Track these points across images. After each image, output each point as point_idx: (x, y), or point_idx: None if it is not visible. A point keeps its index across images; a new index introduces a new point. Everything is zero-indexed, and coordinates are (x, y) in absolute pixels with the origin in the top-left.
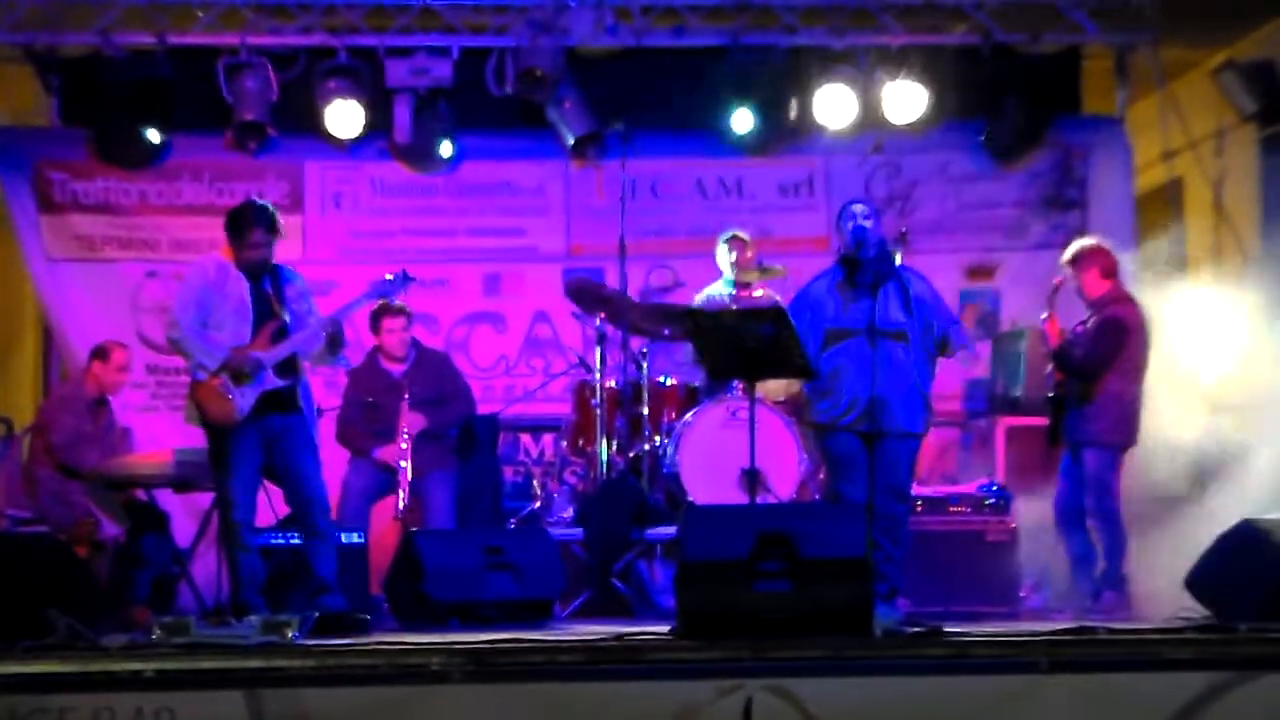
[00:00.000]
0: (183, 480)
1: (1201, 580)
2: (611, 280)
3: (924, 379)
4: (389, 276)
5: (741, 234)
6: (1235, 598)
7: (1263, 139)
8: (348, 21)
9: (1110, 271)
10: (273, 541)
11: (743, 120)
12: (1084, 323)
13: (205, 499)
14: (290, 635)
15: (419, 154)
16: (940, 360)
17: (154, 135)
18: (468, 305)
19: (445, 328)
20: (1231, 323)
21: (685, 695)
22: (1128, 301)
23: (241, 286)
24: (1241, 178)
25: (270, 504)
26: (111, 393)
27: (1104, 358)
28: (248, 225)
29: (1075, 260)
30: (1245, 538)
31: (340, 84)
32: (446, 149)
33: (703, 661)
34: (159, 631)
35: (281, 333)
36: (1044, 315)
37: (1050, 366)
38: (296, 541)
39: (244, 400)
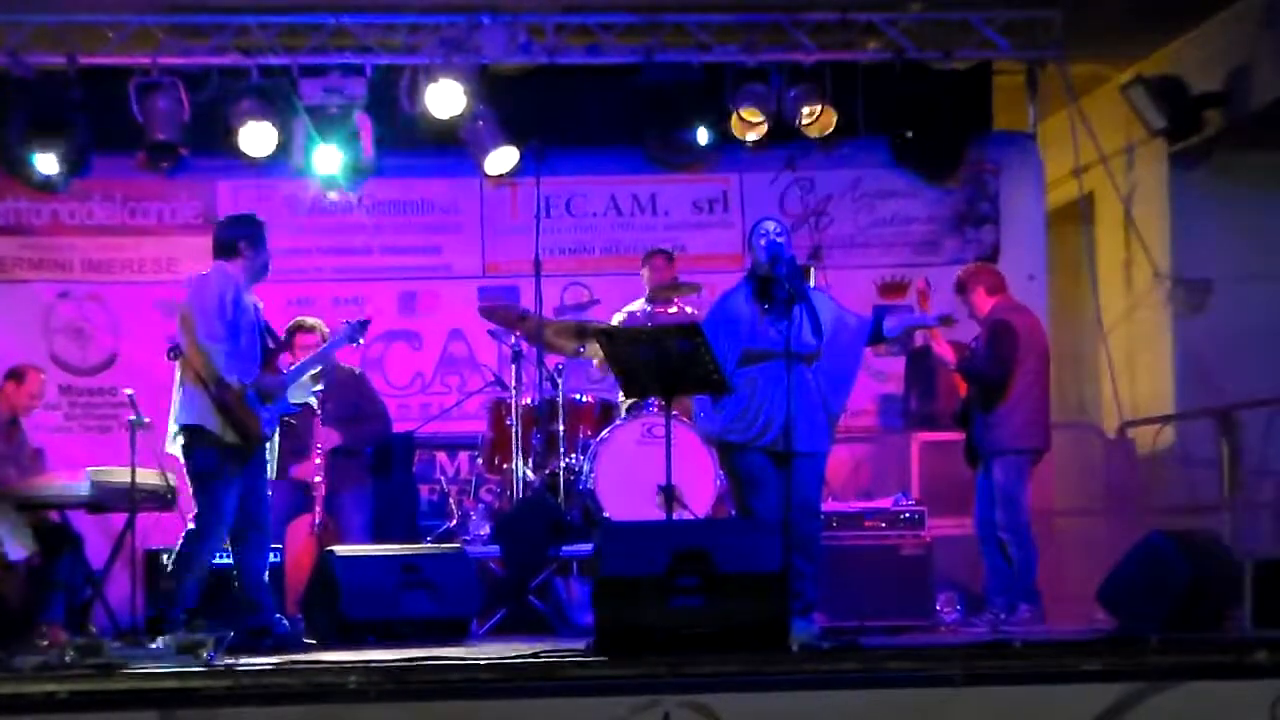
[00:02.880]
0: (97, 502)
1: (1113, 592)
2: (527, 298)
3: (834, 399)
4: (349, 322)
5: (665, 250)
6: (1146, 609)
7: (1172, 154)
8: (260, 41)
9: (996, 288)
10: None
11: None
12: (977, 339)
13: (119, 520)
14: (205, 655)
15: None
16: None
17: (64, 156)
18: (383, 323)
19: (360, 346)
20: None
21: (602, 712)
22: (1015, 310)
23: (251, 300)
24: (1151, 193)
25: (185, 523)
26: (22, 415)
27: (1004, 359)
28: (264, 236)
29: (961, 286)
30: (1156, 549)
31: (253, 104)
32: (329, 163)
33: (619, 678)
34: (72, 652)
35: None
36: (924, 343)
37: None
38: (223, 562)
39: (270, 421)
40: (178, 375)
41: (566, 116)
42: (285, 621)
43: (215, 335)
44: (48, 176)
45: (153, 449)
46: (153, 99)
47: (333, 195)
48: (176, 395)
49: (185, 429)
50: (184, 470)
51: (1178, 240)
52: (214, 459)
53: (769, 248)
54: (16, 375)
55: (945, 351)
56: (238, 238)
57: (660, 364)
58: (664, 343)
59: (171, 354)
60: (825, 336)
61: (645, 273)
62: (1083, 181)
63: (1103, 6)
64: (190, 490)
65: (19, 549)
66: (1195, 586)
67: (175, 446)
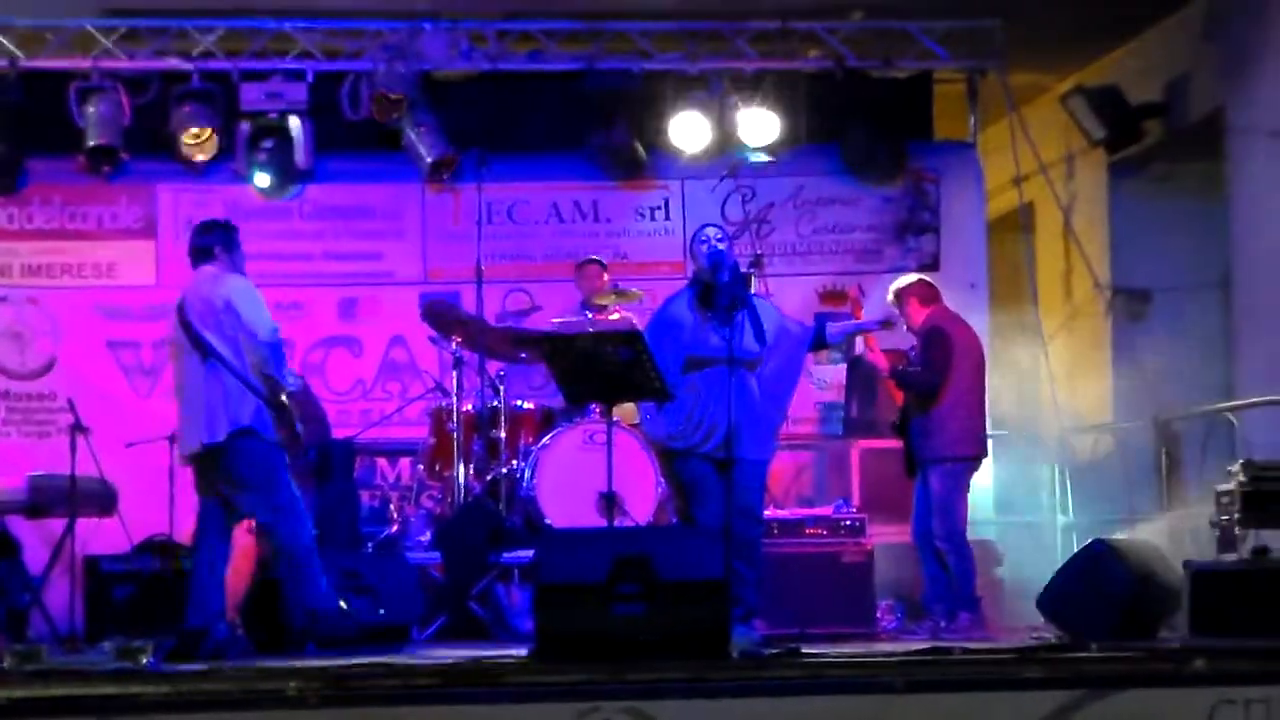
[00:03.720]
0: (36, 506)
1: (1053, 600)
2: (468, 304)
3: (776, 405)
4: None
5: (598, 259)
6: (1086, 617)
7: (1111, 163)
8: (201, 45)
9: (929, 299)
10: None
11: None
12: (913, 348)
13: (58, 525)
14: (144, 661)
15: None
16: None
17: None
18: (324, 329)
19: (301, 352)
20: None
21: (542, 718)
22: (949, 319)
23: None
24: (1091, 202)
25: (125, 529)
26: None
27: (937, 366)
28: (237, 239)
29: (896, 298)
30: (1095, 557)
31: (194, 108)
32: (261, 179)
33: (560, 684)
34: (11, 659)
35: None
36: (861, 352)
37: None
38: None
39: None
40: (200, 378)
41: (508, 123)
42: (224, 626)
43: (274, 334)
44: None
45: (91, 454)
46: (93, 103)
47: (290, 189)
48: (211, 399)
49: (236, 434)
50: (239, 478)
51: (1117, 250)
52: (274, 453)
53: (711, 254)
54: None
55: (879, 359)
56: (212, 243)
57: (601, 371)
58: (605, 350)
59: (205, 357)
60: (768, 343)
61: (579, 281)
62: (1022, 190)
63: (1043, 17)
64: (254, 498)
65: None
66: (1134, 595)
67: (210, 453)
